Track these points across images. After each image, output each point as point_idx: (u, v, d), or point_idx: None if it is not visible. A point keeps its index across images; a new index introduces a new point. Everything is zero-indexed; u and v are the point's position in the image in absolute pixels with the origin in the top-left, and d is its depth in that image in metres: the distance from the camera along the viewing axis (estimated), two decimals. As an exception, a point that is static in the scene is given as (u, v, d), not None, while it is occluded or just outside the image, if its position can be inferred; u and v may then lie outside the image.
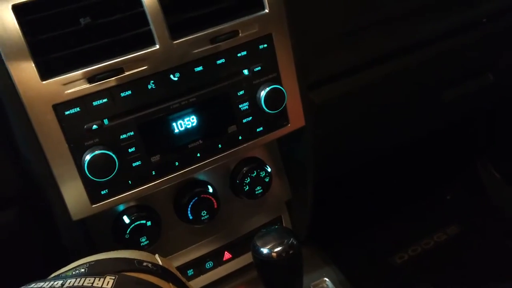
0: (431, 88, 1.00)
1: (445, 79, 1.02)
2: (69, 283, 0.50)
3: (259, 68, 0.70)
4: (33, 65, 0.58)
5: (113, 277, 0.50)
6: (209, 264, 0.87)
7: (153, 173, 0.68)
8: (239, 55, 0.69)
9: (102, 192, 0.65)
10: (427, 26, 0.92)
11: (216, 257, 0.88)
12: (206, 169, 0.72)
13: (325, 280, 0.88)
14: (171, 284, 0.54)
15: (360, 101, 0.90)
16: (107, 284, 0.50)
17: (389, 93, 0.94)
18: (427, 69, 0.97)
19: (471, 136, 1.45)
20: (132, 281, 0.51)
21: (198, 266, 0.86)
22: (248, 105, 0.71)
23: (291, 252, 0.68)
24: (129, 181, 0.66)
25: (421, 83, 0.98)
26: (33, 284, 0.52)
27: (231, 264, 0.89)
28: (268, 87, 0.70)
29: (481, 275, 1.22)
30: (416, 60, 0.94)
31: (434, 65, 0.97)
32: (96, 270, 0.52)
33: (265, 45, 0.70)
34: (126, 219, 0.73)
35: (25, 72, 0.58)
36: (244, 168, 0.81)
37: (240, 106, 0.71)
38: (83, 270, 0.53)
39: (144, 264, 0.55)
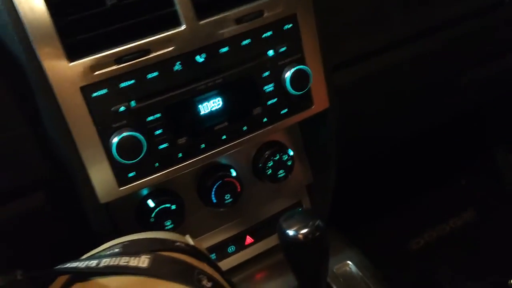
0: (452, 70, 1.00)
1: (466, 62, 1.02)
2: (104, 262, 0.50)
3: (284, 48, 0.70)
4: (61, 47, 0.58)
5: (149, 256, 0.50)
6: (231, 248, 0.88)
7: (180, 156, 0.68)
8: (264, 35, 0.68)
9: (129, 175, 0.65)
10: (449, 8, 0.91)
11: (238, 242, 0.88)
12: (231, 151, 0.72)
13: (348, 263, 0.88)
14: (204, 263, 0.54)
15: (382, 84, 0.90)
16: (143, 263, 0.50)
17: (410, 76, 0.93)
18: (448, 52, 0.96)
19: (488, 121, 1.44)
20: (168, 260, 0.51)
21: (221, 250, 0.87)
22: (273, 87, 0.71)
23: (317, 234, 0.68)
24: (156, 164, 0.66)
25: (443, 65, 0.97)
26: (68, 264, 0.52)
27: (253, 249, 0.90)
28: (293, 67, 0.70)
29: (497, 260, 1.22)
30: (437, 43, 0.93)
31: (456, 47, 0.97)
32: (131, 250, 0.52)
33: (290, 25, 0.70)
34: (150, 203, 0.73)
35: (52, 54, 0.58)
36: (267, 152, 0.81)
37: (265, 87, 0.70)
38: (117, 250, 0.53)
39: (177, 243, 0.55)
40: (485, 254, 1.25)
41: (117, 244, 0.54)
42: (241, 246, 0.88)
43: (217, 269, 0.56)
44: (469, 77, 1.03)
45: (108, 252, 0.53)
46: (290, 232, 0.68)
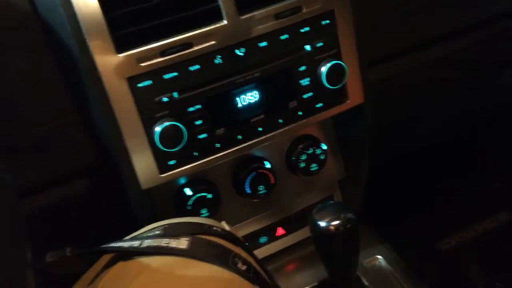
0: (487, 69, 0.99)
1: (502, 61, 1.00)
2: (146, 243, 0.53)
3: (321, 43, 0.71)
4: (110, 39, 0.61)
5: (188, 239, 0.53)
6: (263, 238, 0.90)
7: (217, 146, 0.70)
8: (302, 30, 0.70)
9: (170, 163, 0.68)
10: (483, 7, 0.91)
11: (270, 233, 0.90)
12: (267, 143, 0.74)
13: (378, 257, 0.89)
14: (240, 248, 0.57)
15: (415, 81, 0.90)
16: (183, 245, 0.52)
17: (443, 74, 0.93)
18: (483, 50, 0.95)
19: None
20: (206, 242, 0.54)
21: (253, 240, 0.89)
22: (309, 81, 0.72)
23: (348, 226, 0.69)
24: (195, 153, 0.69)
25: (478, 64, 0.96)
26: (113, 243, 0.55)
27: (284, 240, 0.91)
28: (329, 62, 0.71)
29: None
30: (472, 41, 0.92)
31: (490, 45, 0.95)
32: (171, 232, 0.55)
33: (327, 21, 0.71)
34: (188, 191, 0.76)
35: (102, 46, 0.61)
36: (300, 146, 0.82)
37: (301, 81, 0.72)
38: (158, 232, 0.56)
39: (214, 228, 0.58)
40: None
41: (159, 226, 0.57)
42: (272, 237, 0.90)
43: (252, 254, 0.59)
44: (505, 76, 1.02)
45: (150, 234, 0.56)
46: (322, 223, 0.69)
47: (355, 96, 0.76)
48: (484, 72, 0.99)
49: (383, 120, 0.89)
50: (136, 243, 0.54)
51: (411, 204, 1.31)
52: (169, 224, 0.57)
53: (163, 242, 0.53)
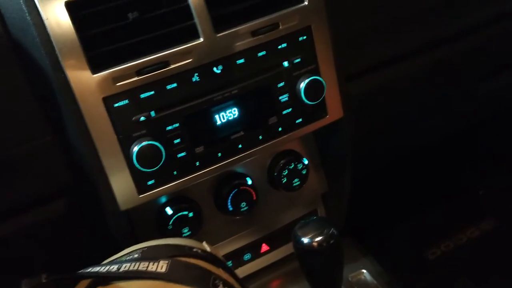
0: (466, 80, 1.00)
1: (481, 71, 1.02)
2: (124, 267, 0.52)
3: (298, 59, 0.71)
4: (85, 59, 0.60)
5: (167, 261, 0.52)
6: (247, 256, 0.89)
7: (197, 164, 0.69)
8: (279, 47, 0.70)
9: (149, 183, 0.67)
10: (462, 17, 0.92)
11: (254, 249, 0.89)
12: (247, 160, 0.73)
13: (363, 271, 0.89)
14: (221, 269, 0.56)
15: (395, 93, 0.91)
16: (161, 268, 0.51)
17: (424, 85, 0.94)
18: (462, 61, 0.96)
19: (505, 130, 1.43)
20: (185, 265, 0.53)
21: (237, 258, 0.88)
22: (288, 97, 0.72)
23: (331, 241, 0.69)
24: (174, 172, 0.68)
25: (457, 75, 0.98)
26: (90, 269, 0.54)
27: (268, 256, 0.91)
28: (307, 78, 0.71)
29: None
30: (451, 52, 0.94)
31: (470, 56, 0.97)
32: (150, 255, 0.54)
33: (305, 37, 0.71)
34: (168, 210, 0.75)
35: (77, 66, 0.60)
36: (282, 161, 0.82)
37: (280, 97, 0.72)
38: (136, 255, 0.55)
39: (194, 250, 0.56)
40: (503, 264, 1.23)
41: (136, 250, 0.56)
42: (257, 254, 0.89)
43: (233, 275, 0.58)
44: (485, 86, 1.03)
45: (128, 258, 0.54)
46: (305, 240, 0.69)
47: (334, 111, 0.76)
48: (463, 83, 1.00)
49: (365, 133, 0.89)
50: (114, 268, 0.52)
51: (395, 215, 1.32)
52: (148, 247, 0.56)
53: (141, 265, 0.52)
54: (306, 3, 0.70)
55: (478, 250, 1.29)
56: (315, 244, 0.69)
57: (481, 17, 0.94)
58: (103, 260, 0.58)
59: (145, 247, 0.56)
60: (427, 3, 0.86)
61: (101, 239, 0.74)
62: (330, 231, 0.69)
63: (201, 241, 0.65)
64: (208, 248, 0.59)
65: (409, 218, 1.32)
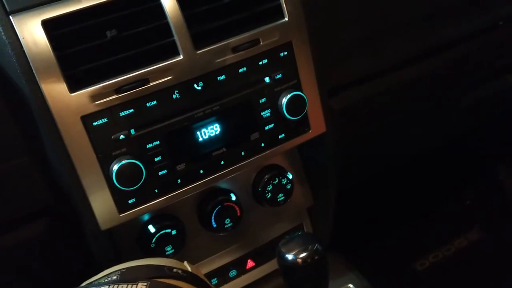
0: (450, 92, 1.01)
1: (464, 83, 1.03)
2: (102, 290, 0.51)
3: (280, 75, 0.71)
4: (62, 78, 0.60)
5: (146, 283, 0.51)
6: (232, 272, 0.88)
7: (179, 181, 0.69)
8: (260, 63, 0.70)
9: (130, 201, 0.66)
10: (444, 30, 0.93)
11: (239, 266, 0.88)
12: (230, 176, 0.73)
13: (350, 286, 0.88)
14: (201, 290, 0.55)
15: (379, 106, 0.91)
16: (140, 290, 0.50)
17: (408, 98, 0.94)
18: (445, 74, 0.97)
19: (490, 140, 1.44)
20: (164, 287, 0.52)
21: (222, 274, 0.87)
22: (270, 112, 0.72)
23: (316, 257, 0.68)
24: (156, 190, 0.67)
25: (440, 87, 0.98)
26: (67, 292, 0.53)
27: (254, 272, 0.90)
28: (289, 94, 0.71)
29: (503, 280, 1.20)
30: (433, 65, 0.94)
31: (452, 69, 0.98)
32: (128, 277, 0.53)
33: (286, 53, 0.71)
34: (151, 229, 0.74)
35: (54, 85, 0.60)
36: (266, 176, 0.81)
37: (262, 113, 0.72)
38: (115, 277, 0.53)
39: (174, 270, 0.56)
40: (491, 273, 1.23)
41: (115, 271, 0.55)
42: (242, 270, 0.88)
43: (215, 295, 0.57)
44: (470, 97, 1.04)
45: (106, 280, 0.53)
46: (289, 256, 0.68)
47: (317, 125, 0.76)
48: (446, 95, 1.01)
49: (349, 145, 0.89)
50: (91, 291, 0.51)
51: (382, 228, 1.32)
52: (127, 268, 0.55)
53: (120, 288, 0.51)
54: (286, 19, 0.70)
55: (466, 260, 1.29)
56: (299, 260, 0.68)
57: (463, 30, 0.95)
58: (83, 282, 0.56)
59: (123, 269, 0.55)
60: (408, 15, 0.87)
61: (82, 260, 0.72)
62: (315, 247, 0.69)
63: (185, 259, 0.64)
64: (189, 268, 0.58)
65: (397, 230, 1.32)
